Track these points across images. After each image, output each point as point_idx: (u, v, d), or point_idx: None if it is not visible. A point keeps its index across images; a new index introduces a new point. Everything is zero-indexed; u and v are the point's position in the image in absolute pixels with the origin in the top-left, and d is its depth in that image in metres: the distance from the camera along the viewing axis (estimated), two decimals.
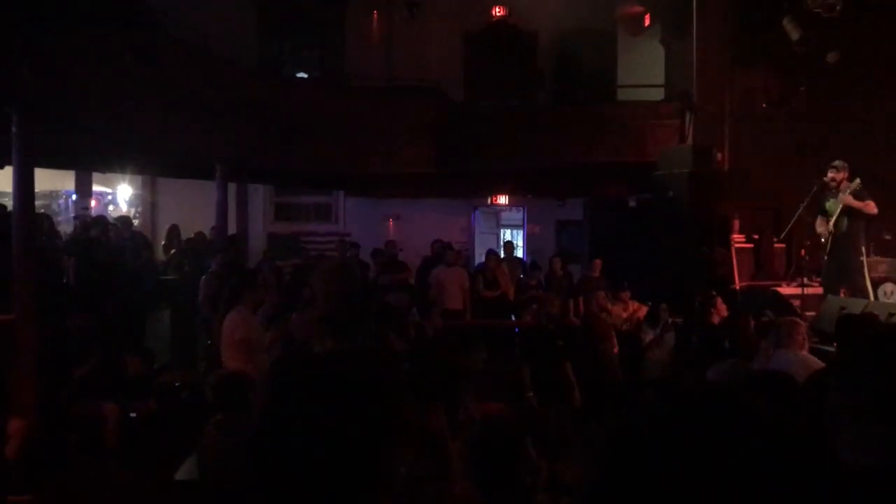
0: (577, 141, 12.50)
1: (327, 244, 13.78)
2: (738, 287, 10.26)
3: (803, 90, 11.51)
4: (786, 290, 9.87)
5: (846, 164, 8.80)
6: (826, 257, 9.04)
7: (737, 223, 11.01)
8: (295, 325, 7.31)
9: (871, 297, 8.79)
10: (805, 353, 5.33)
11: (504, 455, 2.52)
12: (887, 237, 10.53)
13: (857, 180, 8.68)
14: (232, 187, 12.37)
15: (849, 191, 8.62)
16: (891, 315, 7.20)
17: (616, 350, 7.21)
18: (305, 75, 14.84)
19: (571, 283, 10.95)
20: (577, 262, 12.27)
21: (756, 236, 11.06)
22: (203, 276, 9.01)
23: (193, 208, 12.86)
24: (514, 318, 10.03)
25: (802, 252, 9.78)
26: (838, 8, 10.33)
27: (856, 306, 7.68)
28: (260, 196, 14.92)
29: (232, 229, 11.97)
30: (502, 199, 15.80)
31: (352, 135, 12.49)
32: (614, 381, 6.94)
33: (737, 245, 10.78)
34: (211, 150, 10.71)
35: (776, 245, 10.75)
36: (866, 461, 1.54)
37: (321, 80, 14.45)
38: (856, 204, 8.58)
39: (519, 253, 14.58)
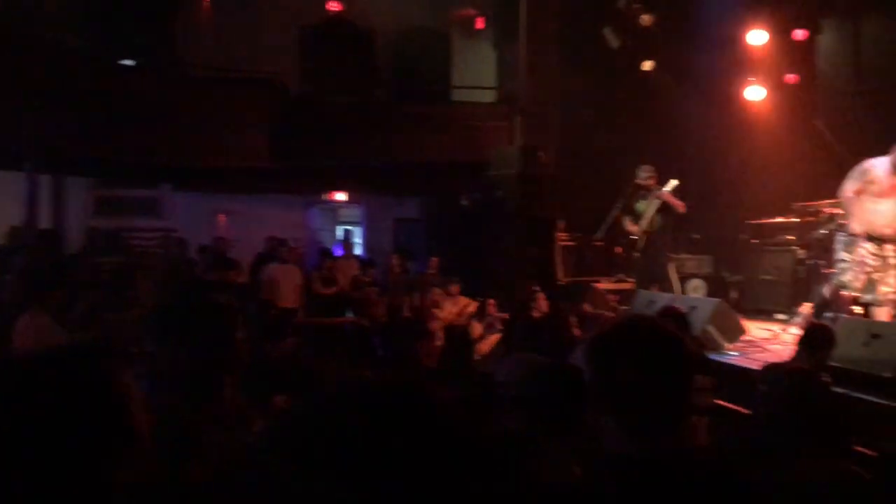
0: (413, 139, 12.63)
1: (154, 241, 13.12)
2: (561, 282, 10.79)
3: (622, 96, 12.25)
4: (604, 285, 10.51)
5: (654, 168, 9.58)
6: (639, 255, 9.74)
7: (561, 223, 11.57)
8: (112, 325, 6.96)
9: (679, 291, 9.59)
10: None
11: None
12: (695, 237, 11.48)
13: (675, 181, 9.45)
14: (46, 179, 11.53)
15: (668, 188, 9.39)
16: (693, 308, 7.82)
17: (440, 343, 7.36)
18: (132, 62, 14.00)
19: (409, 280, 11.09)
20: (416, 260, 12.44)
21: (578, 234, 11.68)
22: (6, 276, 8.35)
23: (3, 201, 11.84)
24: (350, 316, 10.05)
25: (618, 249, 10.45)
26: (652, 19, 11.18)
27: (663, 300, 8.30)
28: (79, 189, 13.96)
29: (46, 224, 11.15)
30: (340, 196, 15.70)
31: (180, 125, 11.89)
32: (431, 372, 7.09)
33: (561, 243, 11.33)
34: (20, 137, 9.91)
35: (596, 243, 11.39)
36: (625, 449, 1.70)
37: (148, 67, 13.70)
38: (672, 200, 9.36)
39: (357, 250, 14.56)
